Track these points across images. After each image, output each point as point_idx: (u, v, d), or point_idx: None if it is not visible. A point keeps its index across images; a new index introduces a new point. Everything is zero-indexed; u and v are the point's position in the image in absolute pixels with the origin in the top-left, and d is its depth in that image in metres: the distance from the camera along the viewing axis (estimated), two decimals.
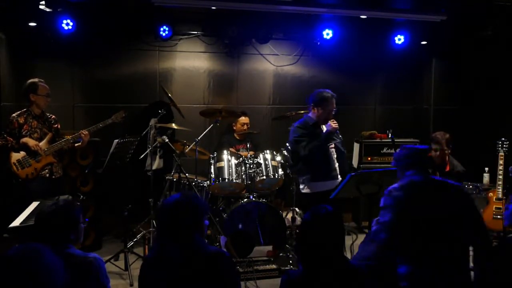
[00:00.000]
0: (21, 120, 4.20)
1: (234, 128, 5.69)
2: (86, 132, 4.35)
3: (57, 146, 4.27)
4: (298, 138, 4.11)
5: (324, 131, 4.13)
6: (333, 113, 4.13)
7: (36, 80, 4.29)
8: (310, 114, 4.22)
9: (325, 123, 4.14)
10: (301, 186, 4.22)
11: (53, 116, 4.45)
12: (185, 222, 2.15)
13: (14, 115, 4.22)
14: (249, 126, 5.66)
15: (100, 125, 4.42)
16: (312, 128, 4.13)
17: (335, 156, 4.23)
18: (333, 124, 4.02)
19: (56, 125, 4.43)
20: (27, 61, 5.45)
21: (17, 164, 4.10)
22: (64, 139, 4.30)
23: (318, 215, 2.21)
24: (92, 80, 5.80)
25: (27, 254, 1.66)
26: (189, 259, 2.12)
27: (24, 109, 4.27)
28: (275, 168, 4.73)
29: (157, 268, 2.14)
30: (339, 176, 4.20)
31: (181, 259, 2.11)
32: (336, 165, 4.23)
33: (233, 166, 4.69)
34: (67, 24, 5.20)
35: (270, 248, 4.48)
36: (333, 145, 4.22)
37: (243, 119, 5.60)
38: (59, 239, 2.22)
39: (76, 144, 4.42)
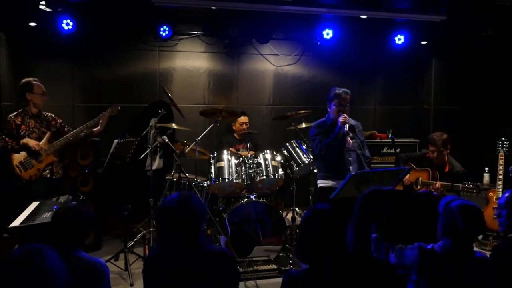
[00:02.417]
0: (18, 121, 4.19)
1: (234, 128, 5.69)
2: (105, 113, 4.44)
3: (58, 145, 4.26)
4: (313, 137, 4.13)
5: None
6: (346, 108, 4.05)
7: (30, 79, 4.29)
8: (329, 114, 4.19)
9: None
10: (318, 181, 4.23)
11: (50, 114, 4.44)
12: (186, 222, 2.15)
13: (11, 115, 4.21)
14: (248, 125, 5.65)
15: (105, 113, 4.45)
16: (329, 127, 4.09)
17: (352, 158, 4.12)
18: (341, 118, 3.94)
19: (54, 122, 4.42)
20: (27, 61, 5.45)
21: (19, 166, 4.09)
22: (64, 137, 4.30)
23: (317, 214, 2.21)
24: (92, 80, 5.80)
25: (31, 254, 1.67)
26: (191, 258, 2.12)
27: (21, 110, 4.27)
28: (275, 168, 4.72)
29: (160, 268, 2.14)
30: None
31: (182, 258, 2.11)
32: (352, 166, 4.11)
33: (233, 166, 4.69)
34: (67, 24, 5.21)
35: (274, 248, 4.49)
36: (352, 147, 4.10)
37: (242, 119, 5.60)
38: (75, 241, 2.24)
39: (94, 129, 4.44)
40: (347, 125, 3.91)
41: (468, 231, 2.27)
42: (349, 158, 4.12)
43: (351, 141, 4.10)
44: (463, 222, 2.24)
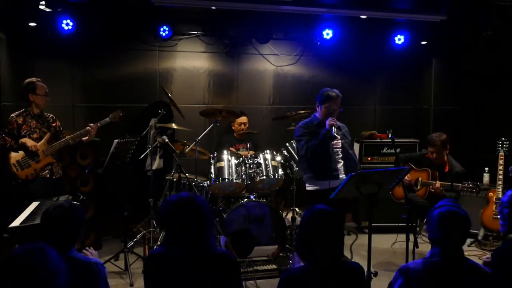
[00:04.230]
0: (20, 121, 4.19)
1: (233, 128, 5.69)
2: (93, 125, 4.34)
3: (56, 146, 4.26)
4: (298, 138, 4.12)
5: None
6: (337, 112, 4.07)
7: (34, 79, 4.27)
8: (316, 113, 4.19)
9: None
10: (306, 184, 4.21)
11: (51, 115, 4.43)
12: (197, 222, 2.15)
13: (13, 115, 4.21)
14: (247, 125, 5.64)
15: (98, 125, 4.42)
16: (315, 127, 4.08)
17: (340, 156, 4.14)
18: (330, 121, 3.93)
19: (54, 124, 4.42)
20: (27, 61, 5.45)
21: (16, 165, 4.09)
22: (63, 140, 4.30)
23: (313, 214, 2.23)
24: (92, 80, 5.80)
25: (32, 252, 1.67)
26: (195, 259, 2.11)
27: (23, 109, 4.26)
28: (275, 168, 4.72)
29: (162, 266, 2.14)
30: (340, 176, 4.12)
31: (186, 258, 2.11)
32: (340, 165, 4.13)
33: (233, 166, 4.69)
34: (67, 24, 5.21)
35: (274, 248, 4.49)
36: (339, 145, 4.13)
37: (241, 119, 5.58)
38: (66, 242, 2.23)
39: (84, 138, 4.37)
40: (334, 128, 3.90)
41: (447, 239, 2.15)
42: (337, 157, 4.13)
43: (340, 141, 4.11)
44: (441, 230, 2.14)
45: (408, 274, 2.13)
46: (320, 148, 3.98)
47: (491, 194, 5.11)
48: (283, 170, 4.85)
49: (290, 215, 5.10)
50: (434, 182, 4.45)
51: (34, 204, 3.49)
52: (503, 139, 5.00)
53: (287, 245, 4.61)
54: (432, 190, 4.41)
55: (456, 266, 2.14)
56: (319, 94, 4.16)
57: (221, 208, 4.86)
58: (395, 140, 4.18)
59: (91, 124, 4.35)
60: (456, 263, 2.15)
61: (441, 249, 2.16)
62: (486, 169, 5.61)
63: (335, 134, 3.91)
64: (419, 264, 2.16)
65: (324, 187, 4.03)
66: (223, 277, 2.14)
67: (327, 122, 3.94)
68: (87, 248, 2.60)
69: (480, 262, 3.36)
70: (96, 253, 2.62)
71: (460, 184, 4.33)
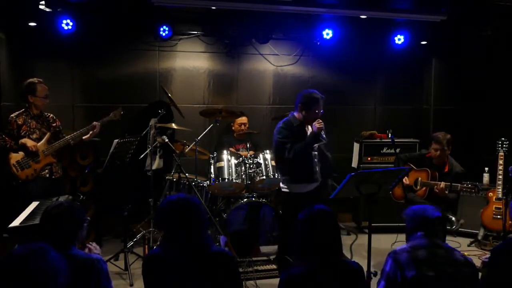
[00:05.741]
0: (20, 121, 4.18)
1: (233, 128, 5.68)
2: (97, 123, 4.37)
3: (56, 146, 4.26)
4: (282, 140, 3.95)
5: (309, 132, 4.02)
6: (319, 115, 3.98)
7: (35, 80, 4.24)
8: (295, 114, 4.05)
9: (311, 124, 4.02)
10: (281, 185, 4.15)
11: (51, 115, 4.43)
12: (194, 221, 2.16)
13: (12, 115, 4.20)
14: (247, 126, 5.64)
15: (99, 123, 4.43)
16: (296, 129, 3.98)
17: (317, 158, 4.09)
18: (318, 124, 3.87)
19: (54, 124, 4.41)
20: (27, 61, 5.45)
21: (16, 165, 4.09)
22: (63, 139, 4.30)
23: (312, 214, 2.24)
24: (92, 80, 5.80)
25: (32, 252, 1.68)
26: (193, 258, 2.12)
27: (23, 110, 4.25)
28: (275, 168, 4.73)
29: (160, 267, 2.14)
30: (319, 179, 4.10)
31: (184, 258, 2.12)
32: (318, 167, 4.09)
33: (233, 166, 4.69)
34: (67, 24, 5.21)
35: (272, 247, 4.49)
36: (316, 147, 4.08)
37: (241, 119, 5.58)
38: (65, 241, 2.23)
39: (84, 137, 4.37)
40: (323, 132, 3.88)
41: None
42: (315, 160, 4.08)
43: (321, 141, 4.05)
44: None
45: (396, 254, 2.43)
46: (304, 152, 3.93)
47: (491, 194, 5.11)
48: None
49: None
50: (433, 182, 4.45)
51: (34, 204, 3.49)
52: (503, 139, 5.01)
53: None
54: (437, 191, 4.40)
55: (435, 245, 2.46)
56: (301, 96, 4.01)
57: (221, 208, 4.86)
58: (395, 140, 4.18)
59: (95, 122, 4.37)
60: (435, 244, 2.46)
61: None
62: (486, 169, 5.61)
63: (324, 137, 3.89)
64: (405, 247, 2.48)
65: (300, 190, 4.00)
66: (222, 275, 2.15)
67: (316, 126, 3.88)
68: (90, 242, 2.61)
69: (479, 262, 3.37)
70: (99, 248, 2.63)
71: (459, 185, 4.33)
